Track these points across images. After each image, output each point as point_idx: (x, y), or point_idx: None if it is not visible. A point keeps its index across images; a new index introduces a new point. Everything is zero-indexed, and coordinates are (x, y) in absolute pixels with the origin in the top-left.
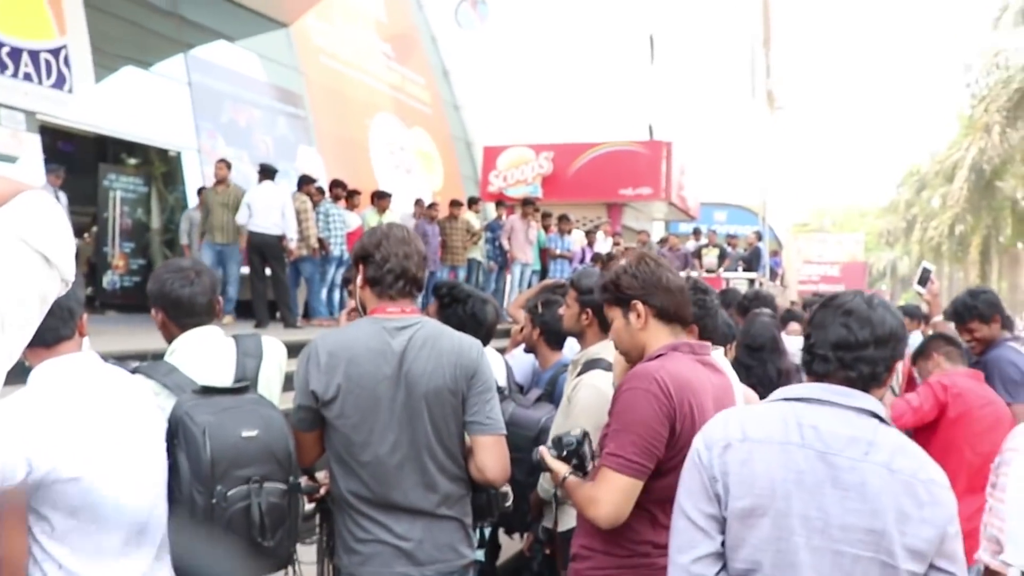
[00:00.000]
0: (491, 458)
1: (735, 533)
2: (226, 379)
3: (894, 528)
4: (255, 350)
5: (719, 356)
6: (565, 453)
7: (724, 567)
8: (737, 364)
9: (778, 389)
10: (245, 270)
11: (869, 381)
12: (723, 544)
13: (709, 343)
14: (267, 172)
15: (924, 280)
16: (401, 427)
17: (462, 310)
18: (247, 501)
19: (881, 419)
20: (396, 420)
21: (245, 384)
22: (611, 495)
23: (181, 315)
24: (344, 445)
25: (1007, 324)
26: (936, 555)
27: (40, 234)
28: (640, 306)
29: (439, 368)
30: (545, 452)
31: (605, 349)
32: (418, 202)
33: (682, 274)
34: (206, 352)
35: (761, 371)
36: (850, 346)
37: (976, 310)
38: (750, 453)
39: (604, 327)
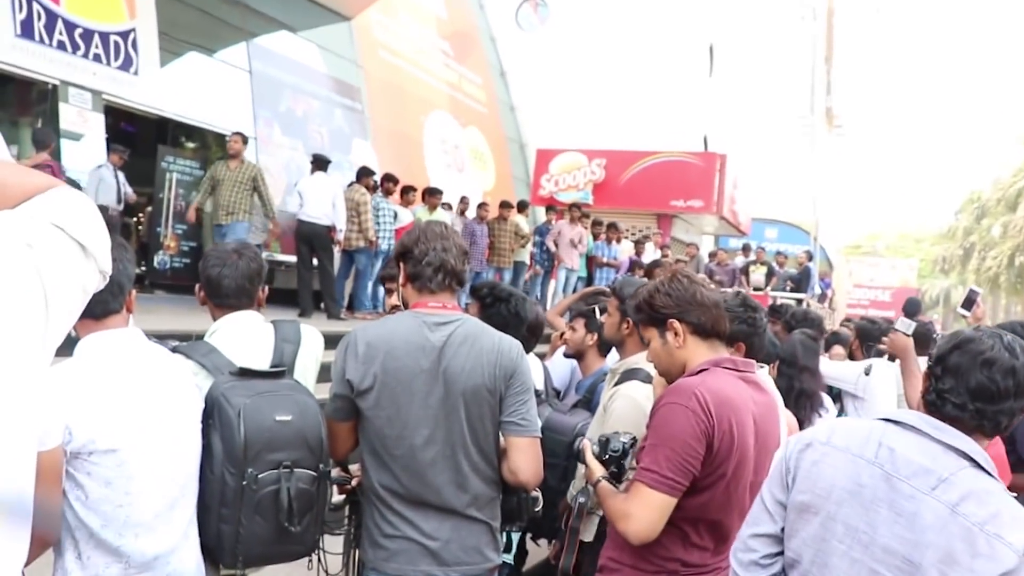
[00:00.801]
0: (525, 460)
1: (790, 523)
2: (263, 363)
3: (934, 567)
4: (294, 336)
5: (764, 375)
6: (608, 456)
7: (781, 553)
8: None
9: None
10: (290, 258)
11: (995, 430)
12: (783, 531)
13: (753, 360)
14: (320, 162)
15: (969, 303)
16: (436, 423)
17: (505, 309)
18: (277, 485)
19: (975, 463)
20: (431, 415)
21: (282, 369)
22: (644, 511)
23: (215, 295)
24: (378, 437)
25: None
26: None
27: (77, 224)
28: (677, 324)
29: (478, 366)
30: (588, 446)
31: (644, 359)
32: (462, 199)
33: (730, 290)
34: (245, 335)
35: (784, 385)
36: (992, 398)
37: None
38: (824, 456)
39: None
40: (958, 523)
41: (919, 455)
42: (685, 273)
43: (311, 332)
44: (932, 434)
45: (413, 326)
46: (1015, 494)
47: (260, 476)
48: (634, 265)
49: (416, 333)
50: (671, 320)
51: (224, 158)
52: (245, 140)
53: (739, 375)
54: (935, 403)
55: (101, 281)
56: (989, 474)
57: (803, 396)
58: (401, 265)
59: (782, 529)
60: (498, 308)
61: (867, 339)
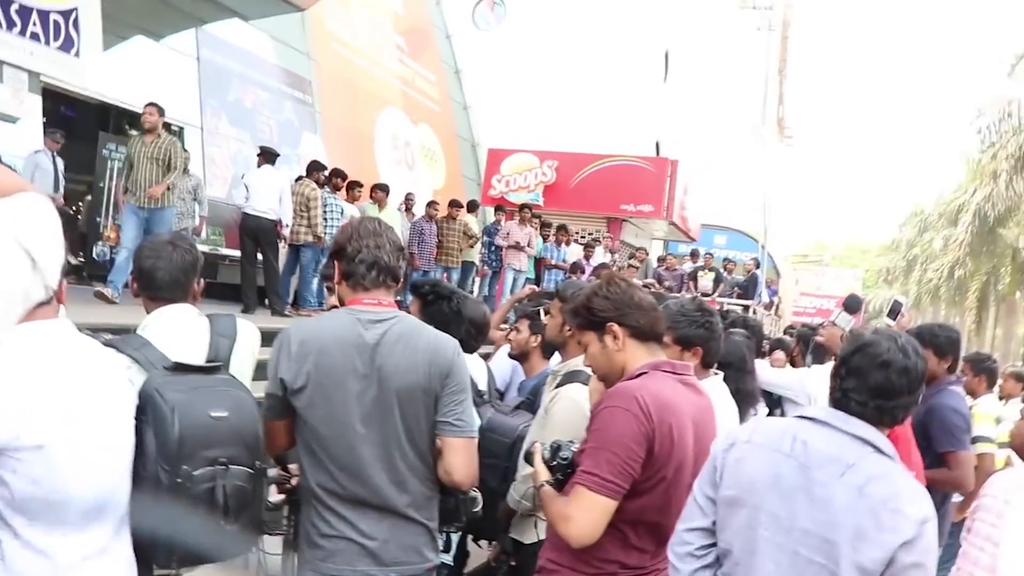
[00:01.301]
0: (459, 461)
1: (721, 517)
2: (199, 358)
3: (847, 544)
4: (229, 331)
5: (718, 381)
6: (555, 463)
7: (714, 545)
8: None
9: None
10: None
11: (893, 422)
12: (714, 523)
13: (690, 364)
14: (267, 155)
15: (894, 313)
16: (371, 423)
17: (447, 306)
18: (212, 483)
19: (877, 448)
20: (366, 415)
21: (217, 364)
22: (585, 514)
23: (148, 288)
24: (314, 436)
25: (953, 368)
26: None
27: (32, 237)
28: (616, 327)
29: (413, 365)
30: (539, 450)
31: None
32: (407, 197)
33: (686, 295)
34: (179, 329)
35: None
36: (889, 395)
37: (936, 340)
38: (746, 453)
39: None
40: (864, 503)
41: (829, 446)
42: (622, 277)
43: (247, 327)
44: (840, 426)
45: (347, 323)
46: (928, 487)
47: (195, 473)
48: (575, 268)
49: (350, 331)
50: (610, 323)
51: (141, 133)
52: (161, 112)
53: (677, 378)
54: (840, 400)
55: (44, 293)
56: (890, 458)
57: (747, 397)
58: (336, 263)
59: (713, 523)
60: (439, 306)
61: (806, 344)
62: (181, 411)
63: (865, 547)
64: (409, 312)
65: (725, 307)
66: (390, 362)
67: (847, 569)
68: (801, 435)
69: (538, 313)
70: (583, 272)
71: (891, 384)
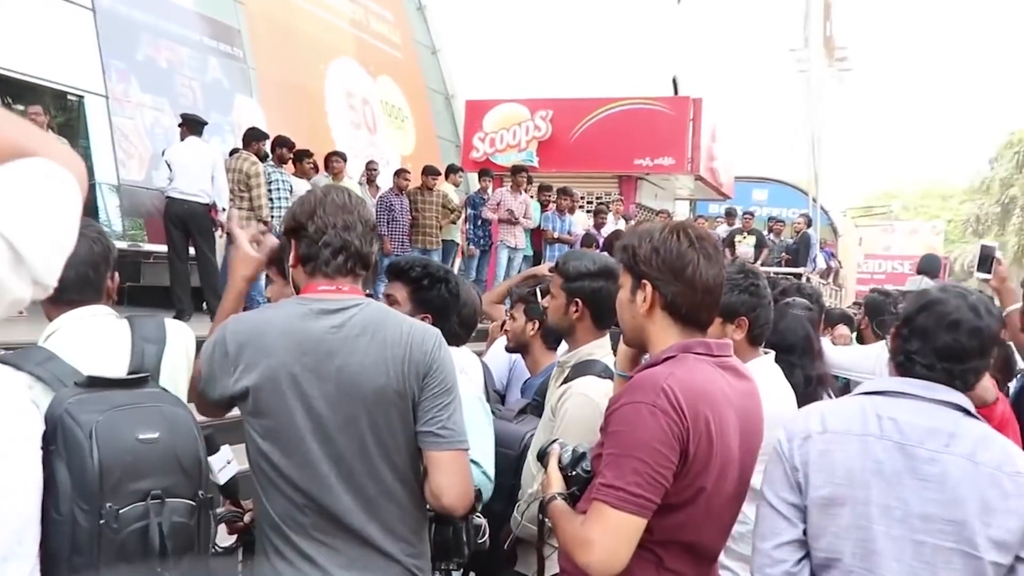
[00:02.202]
0: (448, 480)
1: (815, 522)
2: (119, 369)
3: (976, 519)
4: (156, 334)
5: (767, 362)
6: (574, 473)
7: (807, 556)
8: None
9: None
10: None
11: (964, 388)
12: (805, 533)
13: (729, 342)
14: (192, 125)
15: (986, 262)
16: (329, 436)
17: (445, 291)
18: (144, 521)
19: (967, 411)
20: (323, 426)
21: (143, 375)
22: (608, 537)
23: None
24: (262, 455)
25: None
26: (1022, 546)
27: (15, 219)
28: (649, 288)
29: (381, 362)
30: (557, 452)
31: (600, 349)
32: (369, 166)
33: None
34: (93, 336)
35: (788, 376)
36: (959, 357)
37: None
38: (829, 444)
39: (600, 321)
40: (981, 472)
41: (921, 418)
42: (697, 233)
43: (178, 328)
44: (924, 394)
45: (296, 315)
46: None
47: (122, 512)
48: (587, 242)
49: (299, 323)
50: (644, 280)
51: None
52: None
53: (714, 361)
54: (904, 364)
55: (39, 292)
56: (980, 419)
57: (818, 384)
58: (293, 242)
59: (804, 531)
60: (437, 290)
61: (878, 315)
62: (100, 435)
63: (997, 519)
64: (393, 301)
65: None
66: (353, 360)
67: (985, 547)
68: (885, 412)
69: (534, 295)
70: (596, 245)
71: (960, 346)
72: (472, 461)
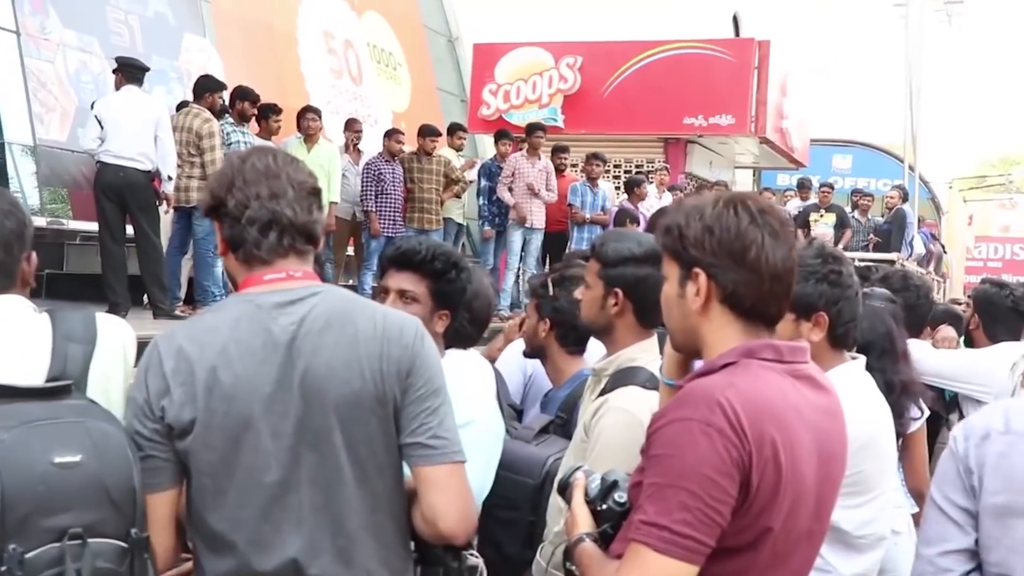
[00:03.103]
0: (446, 499)
1: (988, 532)
2: (35, 375)
3: None
4: (83, 332)
5: (856, 369)
6: (606, 507)
7: (978, 569)
8: None
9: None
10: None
11: None
12: (977, 543)
13: (805, 345)
14: (130, 72)
15: None
16: (296, 458)
17: (464, 282)
18: (59, 568)
19: None
20: (287, 448)
21: (65, 384)
22: None
23: None
24: (208, 495)
25: None
26: None
27: None
28: (702, 278)
29: (355, 361)
30: (582, 483)
31: (645, 353)
32: (350, 125)
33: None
34: (2, 333)
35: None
36: None
37: None
38: (1011, 446)
39: (645, 318)
40: None
41: None
42: (758, 205)
43: (112, 324)
44: None
45: (244, 315)
46: None
47: (30, 556)
48: (623, 218)
49: (250, 325)
50: (697, 269)
51: None
52: None
53: (785, 368)
54: None
55: None
56: None
57: (903, 393)
58: (217, 225)
59: (975, 541)
60: (459, 281)
61: (992, 312)
62: (5, 458)
63: None
64: (409, 301)
65: (856, 263)
66: (318, 362)
67: None
68: None
69: (545, 286)
70: (636, 223)
71: None
72: None
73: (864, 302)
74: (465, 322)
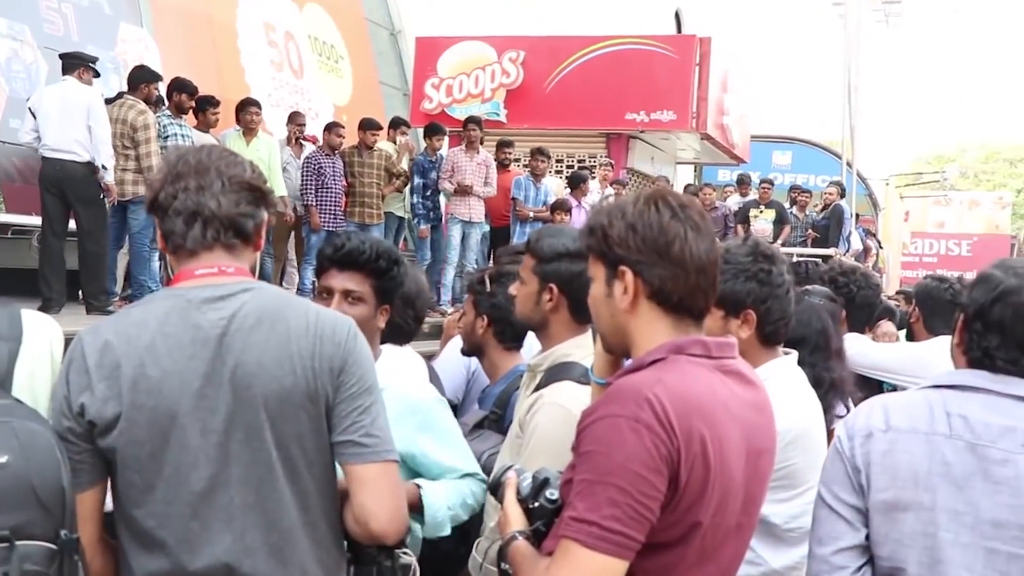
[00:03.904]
0: (377, 499)
1: (877, 527)
2: None
3: None
4: (8, 330)
5: (784, 365)
6: (538, 504)
7: (869, 563)
8: None
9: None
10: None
11: None
12: (867, 538)
13: (733, 341)
14: (68, 63)
15: None
16: (226, 455)
17: (401, 276)
18: None
19: None
20: (216, 445)
21: None
22: None
23: None
24: (136, 491)
25: None
26: None
27: None
28: (629, 276)
29: (286, 359)
30: (513, 481)
31: (580, 349)
32: (293, 118)
33: (728, 244)
34: None
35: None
36: None
37: None
38: (893, 443)
39: (580, 313)
40: None
41: (994, 415)
42: (678, 202)
43: (39, 322)
44: (998, 389)
45: (173, 309)
46: None
47: None
48: (558, 208)
49: (179, 319)
50: (623, 267)
51: None
52: None
53: (714, 364)
54: (980, 361)
55: None
56: None
57: (831, 389)
58: (157, 220)
59: (866, 537)
60: (399, 277)
61: (933, 307)
62: None
63: None
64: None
65: (794, 259)
66: (248, 358)
67: None
68: (954, 408)
69: (483, 283)
70: (569, 213)
71: None
72: (468, 474)
73: (803, 298)
74: (409, 319)
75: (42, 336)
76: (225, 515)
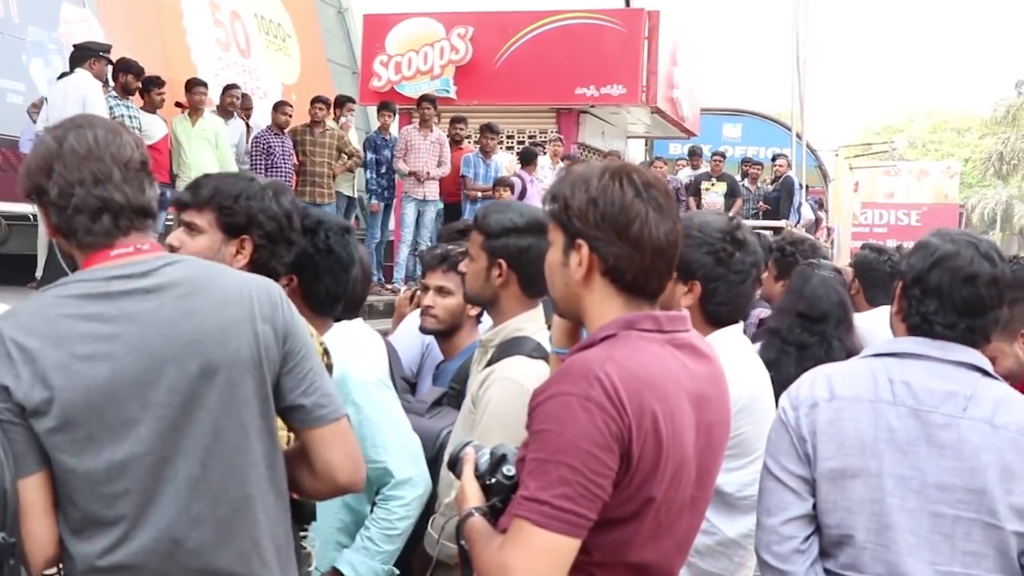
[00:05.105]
0: (342, 453)
1: (825, 496)
2: None
3: (997, 487)
4: None
5: (730, 334)
6: (495, 480)
7: (816, 532)
8: (782, 341)
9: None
10: None
11: (984, 340)
12: (814, 508)
13: (685, 314)
14: (83, 55)
15: None
16: (168, 429)
17: (311, 244)
18: None
19: (985, 372)
20: (158, 419)
21: None
22: (531, 562)
23: None
24: (77, 478)
25: None
26: None
27: None
28: (585, 250)
29: (228, 325)
30: (472, 457)
31: (531, 323)
32: (228, 89)
33: (711, 217)
34: None
35: (822, 352)
36: (981, 312)
37: None
38: (839, 412)
39: (529, 288)
40: (1001, 436)
41: (935, 381)
42: (643, 179)
43: None
44: (938, 355)
45: (95, 290)
46: None
47: None
48: (500, 185)
49: (102, 299)
50: (579, 240)
51: None
52: None
53: (664, 338)
54: (920, 327)
55: None
56: (998, 379)
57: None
58: (42, 210)
59: (813, 506)
60: (300, 245)
61: (872, 278)
62: None
63: (1019, 486)
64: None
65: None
66: (188, 327)
67: (1007, 516)
68: (897, 375)
69: (440, 257)
70: (510, 189)
71: (980, 299)
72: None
73: (813, 273)
74: (356, 294)
75: None
76: (171, 488)
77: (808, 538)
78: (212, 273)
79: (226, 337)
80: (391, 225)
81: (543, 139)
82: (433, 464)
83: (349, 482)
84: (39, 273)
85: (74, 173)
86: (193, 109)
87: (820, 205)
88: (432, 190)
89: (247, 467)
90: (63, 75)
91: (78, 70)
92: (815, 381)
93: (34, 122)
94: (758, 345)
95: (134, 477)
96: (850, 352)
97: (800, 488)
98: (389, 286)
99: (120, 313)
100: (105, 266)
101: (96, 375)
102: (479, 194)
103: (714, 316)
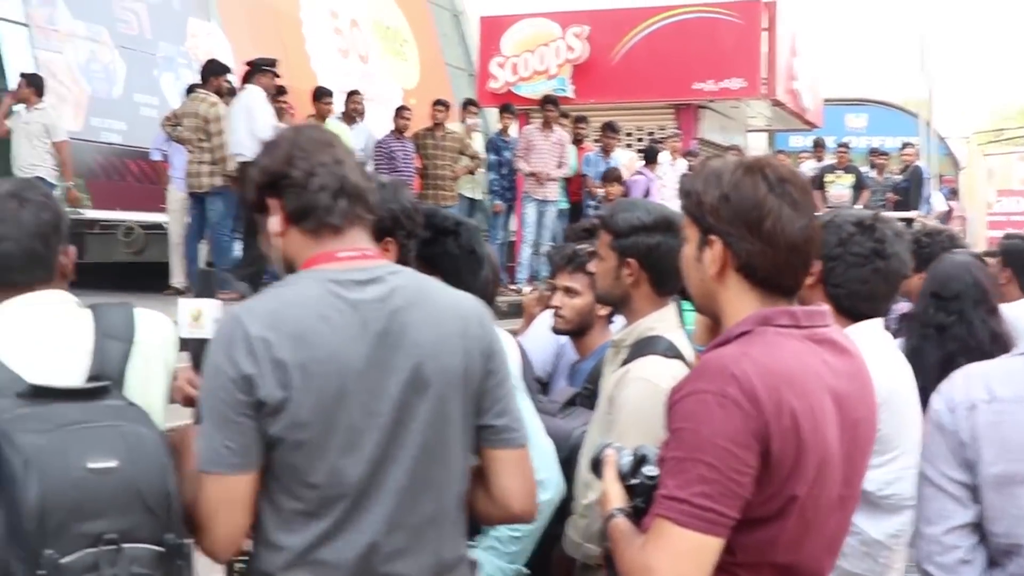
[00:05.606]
0: (520, 481)
1: (991, 503)
2: (74, 375)
3: None
4: (122, 329)
5: (866, 328)
6: (639, 482)
7: (983, 541)
8: (921, 325)
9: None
10: None
11: None
12: (978, 515)
13: (824, 308)
14: (257, 71)
15: None
16: (385, 439)
17: (455, 245)
18: (95, 574)
19: None
20: (378, 429)
21: (103, 384)
22: (673, 562)
23: None
24: (293, 482)
25: None
26: None
27: None
28: (718, 246)
29: (444, 339)
30: (613, 458)
31: (663, 322)
32: (351, 99)
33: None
34: (39, 331)
35: (964, 331)
36: None
37: None
38: (999, 414)
39: (661, 286)
40: None
41: None
42: (780, 174)
43: (153, 322)
44: None
45: (326, 292)
46: None
47: (64, 561)
48: (610, 177)
49: (336, 302)
50: (712, 236)
51: None
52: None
53: (804, 333)
54: None
55: None
56: None
57: (997, 341)
58: (276, 202)
59: (977, 514)
60: (443, 245)
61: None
62: (41, 464)
63: None
64: None
65: None
66: (411, 339)
67: None
68: None
69: (573, 255)
70: (620, 182)
71: None
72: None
73: (947, 258)
74: (490, 294)
75: (155, 336)
76: (381, 496)
77: (975, 547)
78: (428, 286)
79: (439, 351)
80: (512, 226)
81: (662, 135)
82: (567, 464)
83: (523, 511)
84: (175, 281)
85: (317, 155)
86: (319, 118)
87: (953, 194)
88: (552, 190)
89: (445, 482)
90: (192, 87)
91: (248, 85)
92: (970, 381)
93: (167, 135)
94: (900, 341)
95: (352, 483)
96: (994, 334)
97: (962, 495)
98: (513, 286)
99: (353, 319)
100: (334, 268)
101: (330, 379)
102: (600, 192)
103: (840, 305)
